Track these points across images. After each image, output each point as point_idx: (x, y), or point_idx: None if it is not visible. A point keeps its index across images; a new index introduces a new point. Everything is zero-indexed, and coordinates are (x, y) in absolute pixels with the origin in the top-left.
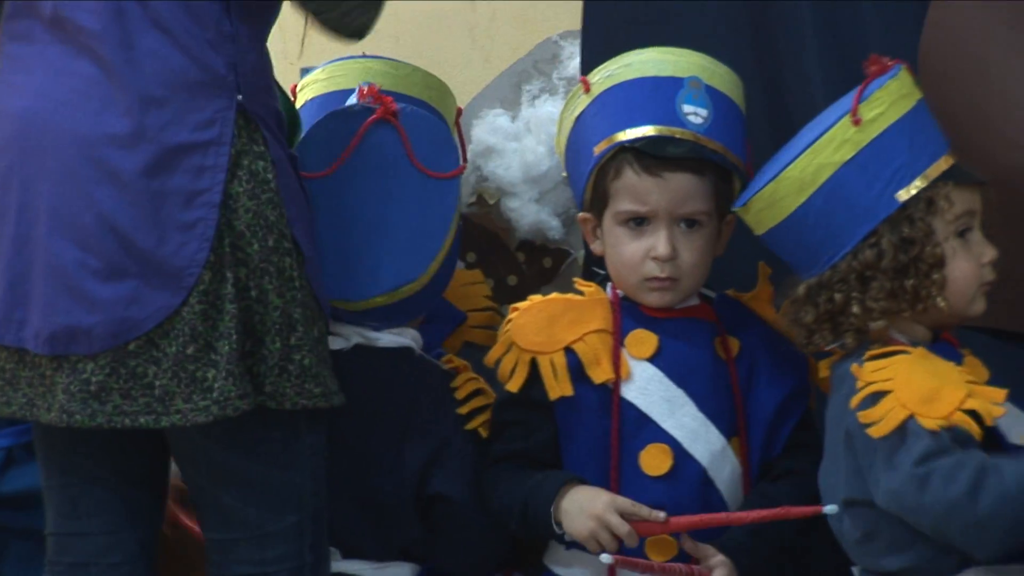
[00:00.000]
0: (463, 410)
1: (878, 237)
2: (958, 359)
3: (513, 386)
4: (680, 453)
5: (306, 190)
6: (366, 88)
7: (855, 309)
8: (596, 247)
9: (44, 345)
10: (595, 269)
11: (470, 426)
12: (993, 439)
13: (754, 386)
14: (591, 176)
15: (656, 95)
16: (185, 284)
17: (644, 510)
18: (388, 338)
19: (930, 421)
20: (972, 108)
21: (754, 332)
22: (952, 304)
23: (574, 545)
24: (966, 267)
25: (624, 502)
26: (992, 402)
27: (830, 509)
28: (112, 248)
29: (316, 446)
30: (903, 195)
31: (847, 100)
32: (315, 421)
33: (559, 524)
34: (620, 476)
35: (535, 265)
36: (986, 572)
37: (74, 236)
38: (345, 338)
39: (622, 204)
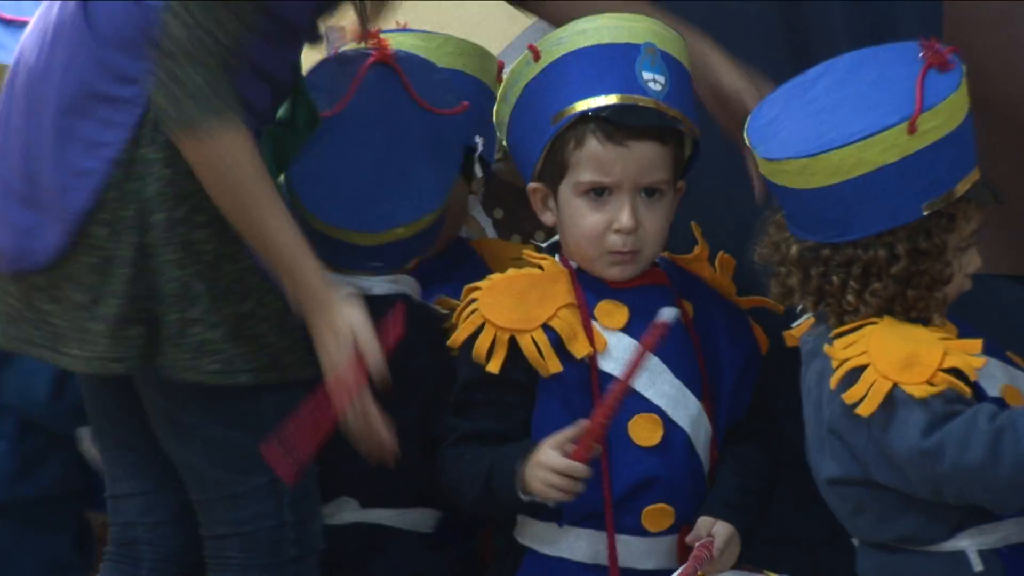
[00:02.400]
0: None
1: (893, 240)
2: (924, 321)
3: (495, 366)
4: (667, 422)
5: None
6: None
7: (850, 298)
8: (548, 218)
9: None
10: (536, 243)
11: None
12: (978, 394)
13: (714, 349)
14: (546, 146)
15: (615, 62)
16: (69, 230)
17: (569, 431)
18: (383, 286)
19: (915, 388)
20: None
21: (701, 295)
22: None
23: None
24: (959, 281)
25: (551, 441)
26: (970, 354)
27: None
28: (29, 177)
29: (282, 404)
30: (928, 208)
31: (906, 89)
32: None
33: (525, 492)
34: (609, 450)
35: None
36: (979, 533)
37: (11, 159)
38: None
39: (584, 175)
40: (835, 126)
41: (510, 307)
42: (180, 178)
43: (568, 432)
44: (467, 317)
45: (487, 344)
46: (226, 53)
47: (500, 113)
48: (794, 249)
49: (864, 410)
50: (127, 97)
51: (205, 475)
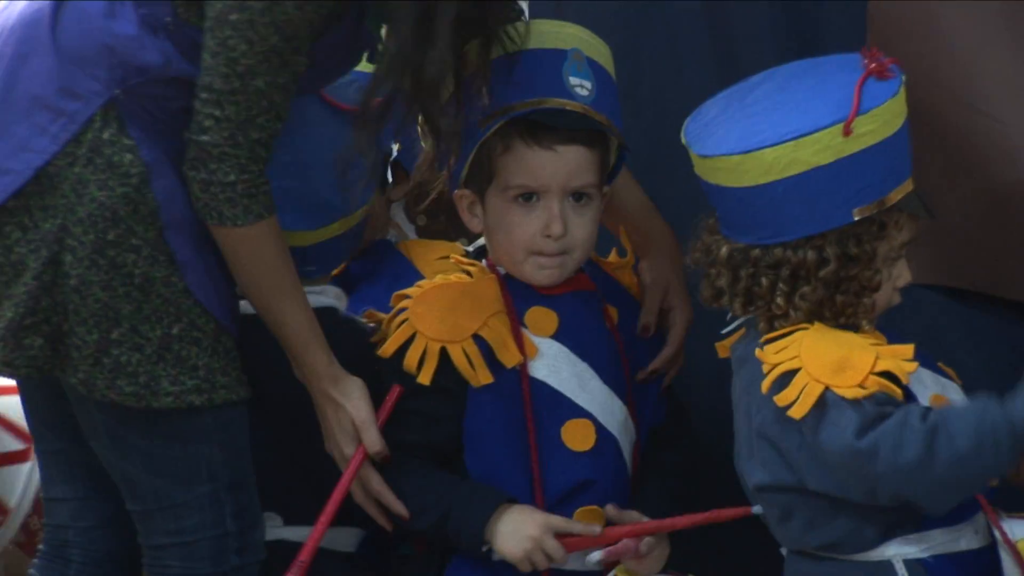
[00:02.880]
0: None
1: (823, 243)
2: (854, 328)
3: (425, 378)
4: (598, 427)
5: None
6: None
7: (779, 300)
8: (474, 225)
9: None
10: (465, 248)
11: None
12: (910, 400)
13: (636, 354)
14: (472, 151)
15: (542, 67)
16: None
17: (577, 526)
18: (311, 299)
19: (847, 391)
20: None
21: (623, 299)
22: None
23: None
24: (888, 292)
25: (558, 521)
26: (903, 359)
27: (757, 510)
28: None
29: (222, 418)
30: (859, 213)
31: (844, 94)
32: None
33: (487, 543)
34: (540, 455)
35: None
36: (905, 543)
37: None
38: None
39: (512, 179)
40: (770, 126)
41: (440, 317)
42: (115, 203)
43: (572, 523)
44: (397, 327)
45: (418, 355)
46: (257, 154)
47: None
48: (724, 250)
49: (796, 412)
50: (68, 111)
51: (143, 486)
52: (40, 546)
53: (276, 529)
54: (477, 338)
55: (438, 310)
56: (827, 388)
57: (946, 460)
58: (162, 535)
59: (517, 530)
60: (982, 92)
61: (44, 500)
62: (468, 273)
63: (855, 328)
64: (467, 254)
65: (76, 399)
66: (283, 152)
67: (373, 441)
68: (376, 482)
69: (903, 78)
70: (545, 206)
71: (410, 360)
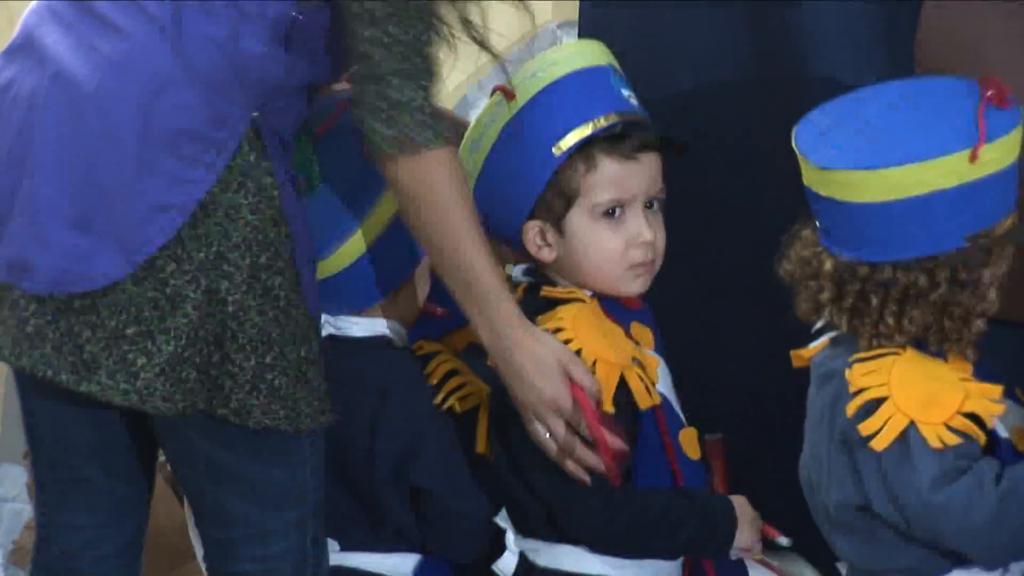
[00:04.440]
0: (439, 397)
1: (934, 266)
2: (943, 354)
3: (608, 404)
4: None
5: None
6: None
7: (889, 320)
8: (546, 254)
9: (2, 271)
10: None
11: (444, 404)
12: (991, 437)
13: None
14: (546, 180)
15: (598, 84)
16: (134, 259)
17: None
18: (361, 327)
19: (932, 430)
20: None
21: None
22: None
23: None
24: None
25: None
26: (990, 399)
27: (783, 542)
28: (88, 201)
29: (316, 441)
30: (969, 240)
31: (968, 117)
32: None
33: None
34: (679, 465)
35: None
36: (979, 569)
37: (58, 178)
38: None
39: (601, 195)
40: (896, 145)
41: (605, 344)
42: (266, 224)
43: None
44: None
45: (612, 382)
46: (432, 72)
47: (474, 164)
48: (829, 264)
49: (878, 444)
50: (218, 139)
51: (236, 513)
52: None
53: (336, 555)
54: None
55: (598, 335)
56: (912, 423)
57: (1014, 526)
58: (247, 561)
59: (745, 521)
60: None
61: (49, 527)
62: (577, 299)
63: (945, 355)
64: (511, 279)
65: (169, 429)
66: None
67: (583, 373)
68: (594, 425)
69: (1023, 109)
70: (632, 216)
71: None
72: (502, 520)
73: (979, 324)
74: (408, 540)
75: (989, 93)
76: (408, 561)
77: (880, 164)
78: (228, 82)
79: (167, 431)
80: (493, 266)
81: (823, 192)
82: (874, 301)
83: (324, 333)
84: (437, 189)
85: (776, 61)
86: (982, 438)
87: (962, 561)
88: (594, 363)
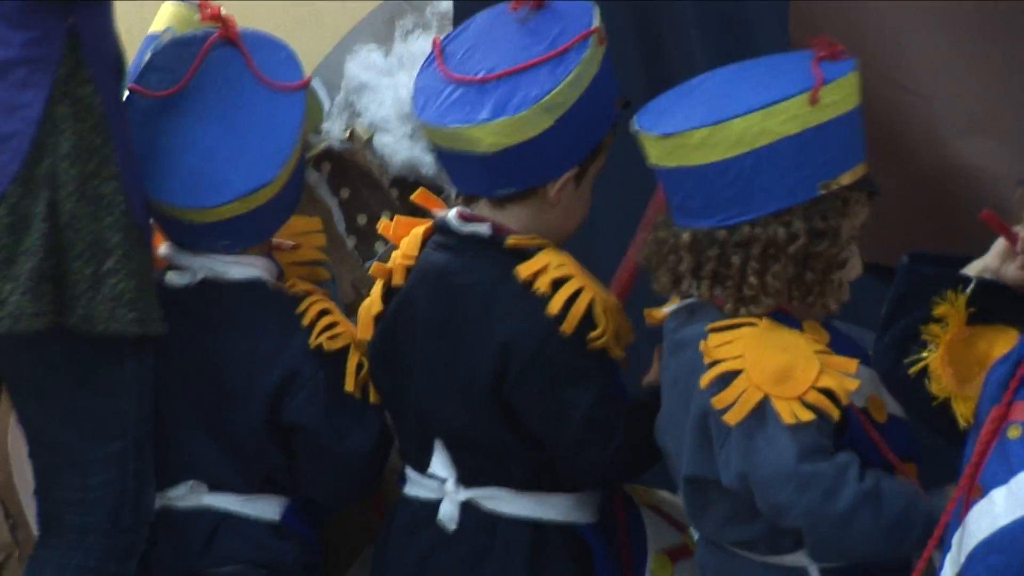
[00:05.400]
0: (313, 337)
1: (791, 218)
2: (798, 325)
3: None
4: None
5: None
6: (209, 10)
7: (752, 279)
8: (557, 200)
9: None
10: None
11: (313, 343)
12: (845, 414)
13: None
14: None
15: None
16: None
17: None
18: (237, 270)
19: (786, 407)
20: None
21: None
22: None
23: None
24: (852, 275)
25: None
26: (845, 373)
27: None
28: None
29: (142, 373)
30: (824, 187)
31: (802, 70)
32: (141, 348)
33: None
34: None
35: (408, 202)
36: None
37: None
38: (191, 272)
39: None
40: (736, 100)
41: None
42: (89, 133)
43: None
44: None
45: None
46: None
47: (565, 95)
48: (686, 236)
49: (731, 418)
50: (39, 57)
51: (57, 440)
52: None
53: (201, 496)
54: None
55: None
56: (766, 397)
57: (864, 528)
58: (66, 489)
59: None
60: (909, 72)
61: None
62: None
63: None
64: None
65: (3, 356)
66: (201, 126)
67: None
68: None
69: (856, 61)
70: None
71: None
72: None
73: (840, 276)
74: (277, 483)
75: (821, 51)
76: (276, 504)
77: (723, 118)
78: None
79: (4, 358)
80: None
81: (672, 163)
82: (735, 262)
83: (197, 278)
84: None
85: (658, 57)
86: (836, 414)
87: (799, 543)
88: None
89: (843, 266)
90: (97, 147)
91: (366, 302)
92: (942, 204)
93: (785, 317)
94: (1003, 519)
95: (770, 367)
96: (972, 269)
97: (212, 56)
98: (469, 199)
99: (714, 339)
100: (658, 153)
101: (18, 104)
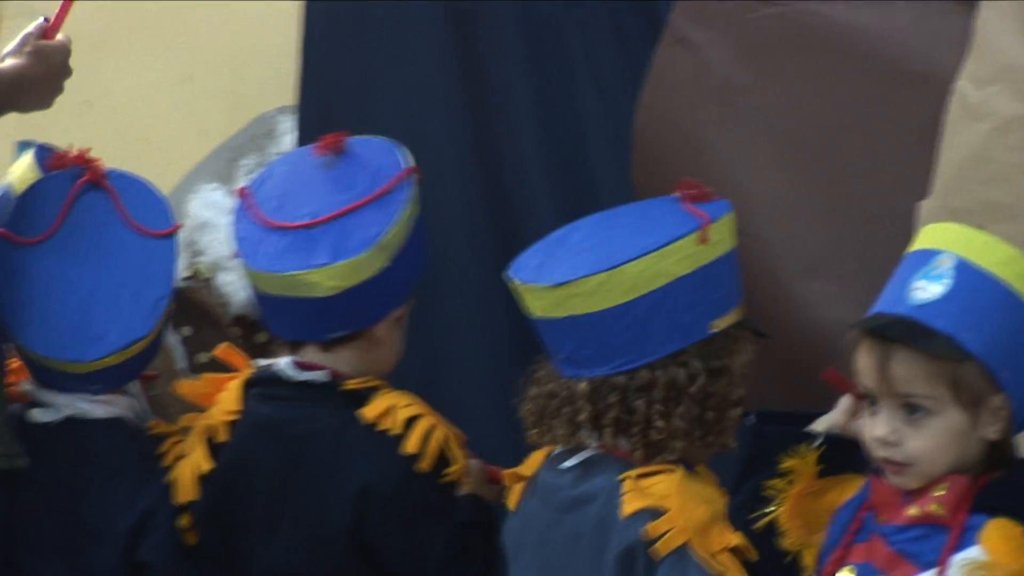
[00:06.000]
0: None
1: (687, 359)
2: (692, 470)
3: None
4: None
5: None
6: (74, 153)
7: (659, 423)
8: None
9: None
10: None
11: (169, 479)
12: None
13: None
14: None
15: None
16: None
17: None
18: (101, 409)
19: (705, 556)
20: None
21: None
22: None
23: None
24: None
25: None
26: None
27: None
28: None
29: None
30: (716, 325)
31: (679, 214)
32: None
33: None
34: None
35: (250, 340)
36: None
37: None
38: (56, 409)
39: None
40: (623, 244)
41: None
42: None
43: None
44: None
45: None
46: None
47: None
48: (583, 385)
49: (663, 548)
50: None
51: None
52: None
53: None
54: None
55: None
56: (687, 543)
57: None
58: None
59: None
60: (751, 216)
61: None
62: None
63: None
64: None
65: None
66: (72, 273)
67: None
68: None
69: (730, 203)
70: None
71: None
72: None
73: (735, 412)
74: None
75: (689, 192)
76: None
77: (617, 263)
78: None
79: None
80: None
81: (562, 314)
82: (639, 407)
83: (62, 415)
84: None
85: (493, 115)
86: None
87: None
88: None
89: (739, 403)
90: None
91: (187, 461)
92: (785, 347)
93: (687, 465)
94: None
95: (695, 516)
96: (820, 425)
97: (81, 199)
98: (295, 345)
99: (630, 486)
100: (545, 304)
101: None
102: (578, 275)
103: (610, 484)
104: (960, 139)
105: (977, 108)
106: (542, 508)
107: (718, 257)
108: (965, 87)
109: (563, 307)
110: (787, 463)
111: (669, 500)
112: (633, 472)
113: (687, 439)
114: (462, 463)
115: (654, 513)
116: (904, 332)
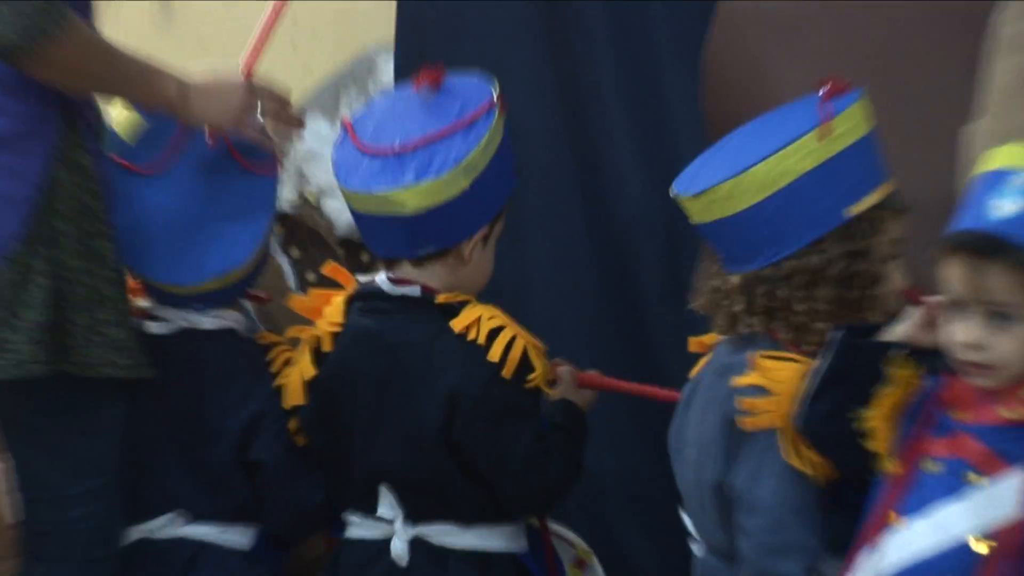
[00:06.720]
0: (278, 382)
1: (825, 245)
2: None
3: None
4: None
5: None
6: None
7: (799, 307)
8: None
9: None
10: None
11: (278, 384)
12: None
13: None
14: None
15: None
16: (1, 253)
17: None
18: (210, 321)
19: (787, 446)
20: (750, 111)
21: None
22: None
23: None
24: (897, 288)
25: None
26: None
27: None
28: None
29: (118, 416)
30: (853, 210)
31: (811, 110)
32: (117, 393)
33: None
34: None
35: (354, 260)
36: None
37: None
38: (170, 322)
39: None
40: (753, 150)
41: None
42: (84, 195)
43: None
44: None
45: None
46: None
47: (479, 158)
48: (736, 279)
49: (749, 424)
50: (39, 128)
51: (39, 475)
52: None
53: (182, 528)
54: None
55: None
56: (779, 429)
57: None
58: (45, 523)
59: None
60: None
61: None
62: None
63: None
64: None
65: (3, 394)
66: (180, 202)
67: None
68: None
69: (864, 90)
70: None
71: None
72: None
73: (881, 291)
74: (247, 514)
75: (824, 88)
76: (247, 533)
77: (742, 168)
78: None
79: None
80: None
81: (708, 218)
82: (782, 295)
83: (176, 327)
84: (88, 66)
85: (578, 61)
86: (821, 482)
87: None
88: None
89: (878, 280)
90: (93, 208)
91: (295, 369)
92: None
93: None
94: (925, 550)
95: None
96: (893, 336)
97: (192, 135)
98: (390, 263)
99: (757, 361)
100: (697, 211)
101: (21, 170)
102: (711, 183)
103: (736, 360)
104: (1003, 65)
105: (1013, 40)
106: (709, 371)
107: (846, 147)
108: (1005, 20)
109: (709, 212)
110: (892, 370)
111: (782, 386)
112: (770, 352)
113: (831, 319)
114: (542, 371)
115: (760, 390)
116: (995, 247)
